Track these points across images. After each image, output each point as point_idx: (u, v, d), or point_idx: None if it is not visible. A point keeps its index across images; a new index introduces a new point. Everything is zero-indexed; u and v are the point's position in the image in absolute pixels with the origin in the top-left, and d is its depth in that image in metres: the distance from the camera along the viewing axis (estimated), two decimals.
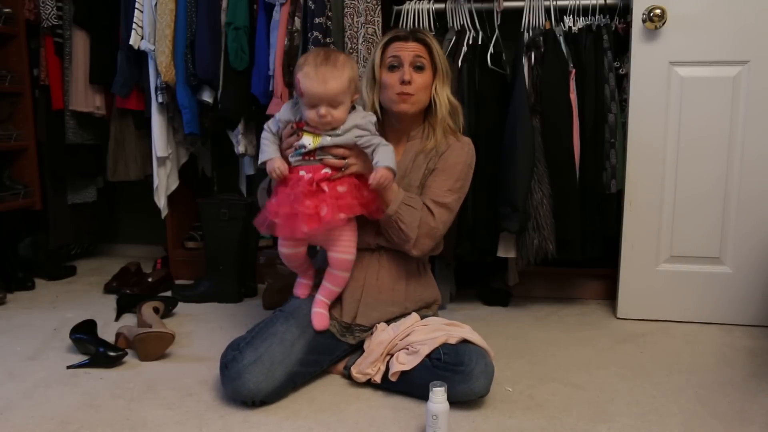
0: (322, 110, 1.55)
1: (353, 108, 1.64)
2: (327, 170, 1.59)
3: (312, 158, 1.59)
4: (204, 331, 2.12)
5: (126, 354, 1.82)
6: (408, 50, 1.72)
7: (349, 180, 1.61)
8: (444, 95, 1.75)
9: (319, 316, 1.68)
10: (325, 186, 1.57)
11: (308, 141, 1.58)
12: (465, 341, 1.59)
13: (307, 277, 1.78)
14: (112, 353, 1.80)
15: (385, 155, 1.58)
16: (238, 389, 1.53)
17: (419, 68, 1.72)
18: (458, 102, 1.80)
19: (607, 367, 1.82)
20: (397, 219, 1.65)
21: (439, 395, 1.37)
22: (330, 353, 1.71)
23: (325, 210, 1.55)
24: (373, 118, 1.65)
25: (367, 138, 1.60)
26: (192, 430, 1.45)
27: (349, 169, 1.61)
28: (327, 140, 1.58)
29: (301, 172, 1.59)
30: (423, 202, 1.70)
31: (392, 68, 1.73)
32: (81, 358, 1.83)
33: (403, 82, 1.70)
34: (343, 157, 1.60)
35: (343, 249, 1.66)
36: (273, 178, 1.63)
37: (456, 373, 1.52)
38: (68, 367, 1.79)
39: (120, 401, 1.59)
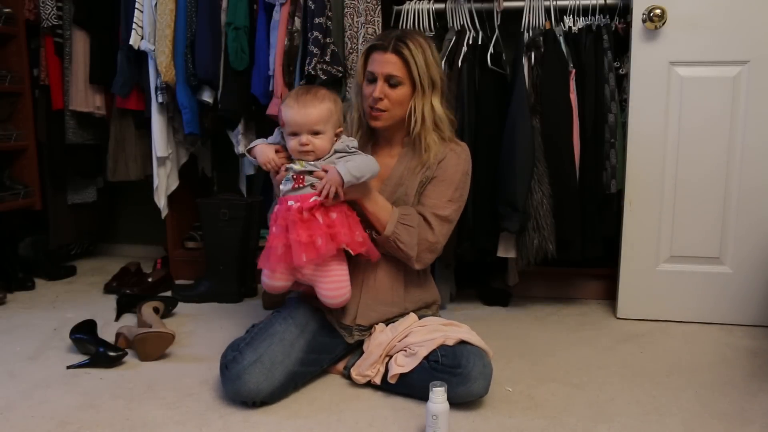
0: (304, 138, 1.55)
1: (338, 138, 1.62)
2: (316, 198, 1.55)
3: (300, 185, 1.57)
4: (204, 331, 2.12)
5: (126, 354, 1.83)
6: (383, 65, 1.65)
7: (339, 208, 1.58)
8: (421, 109, 1.66)
9: None
10: (318, 216, 1.55)
11: (295, 165, 1.58)
12: (463, 342, 1.58)
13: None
14: (112, 353, 1.81)
15: (346, 163, 1.54)
16: (239, 390, 1.54)
17: (393, 85, 1.66)
18: (445, 112, 1.71)
19: (607, 367, 1.82)
20: (396, 239, 1.64)
21: (438, 395, 1.37)
22: (330, 352, 1.71)
23: (320, 241, 1.52)
24: (354, 143, 1.62)
25: (347, 156, 1.59)
26: (192, 430, 1.45)
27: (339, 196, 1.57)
28: (311, 164, 1.57)
29: (290, 202, 1.56)
30: (422, 214, 1.67)
31: (369, 81, 1.69)
32: (81, 358, 1.83)
33: (373, 99, 1.66)
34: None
35: (335, 285, 1.58)
36: (260, 163, 1.63)
37: (454, 375, 1.52)
38: (68, 367, 1.79)
39: (120, 401, 1.59)
